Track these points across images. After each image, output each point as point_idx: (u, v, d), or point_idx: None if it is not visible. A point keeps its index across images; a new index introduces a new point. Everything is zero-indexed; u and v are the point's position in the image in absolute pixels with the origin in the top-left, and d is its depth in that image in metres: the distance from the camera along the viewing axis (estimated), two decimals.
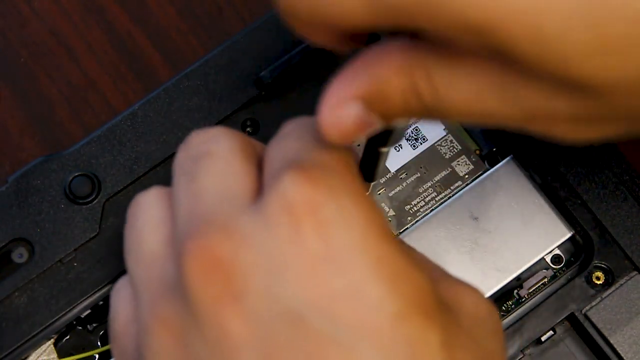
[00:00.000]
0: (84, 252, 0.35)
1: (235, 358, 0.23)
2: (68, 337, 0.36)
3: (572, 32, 0.19)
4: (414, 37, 0.22)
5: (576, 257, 0.37)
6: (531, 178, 0.37)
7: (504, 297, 0.37)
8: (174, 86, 0.36)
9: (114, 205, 0.35)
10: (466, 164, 0.38)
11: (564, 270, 0.37)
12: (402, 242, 0.28)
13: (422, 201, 0.37)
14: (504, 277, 0.36)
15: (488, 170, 0.38)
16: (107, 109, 0.45)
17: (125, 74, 0.46)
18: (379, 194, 0.38)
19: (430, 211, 0.37)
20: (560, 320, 0.35)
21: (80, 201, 0.35)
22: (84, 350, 0.36)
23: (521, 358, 0.36)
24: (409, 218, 0.37)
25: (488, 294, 0.36)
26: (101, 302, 0.35)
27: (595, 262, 0.36)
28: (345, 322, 0.23)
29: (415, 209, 0.37)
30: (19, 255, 0.34)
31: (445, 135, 0.38)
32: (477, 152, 0.38)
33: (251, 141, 0.28)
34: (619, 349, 0.35)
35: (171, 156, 0.36)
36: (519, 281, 0.37)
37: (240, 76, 0.36)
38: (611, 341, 0.35)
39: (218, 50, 0.37)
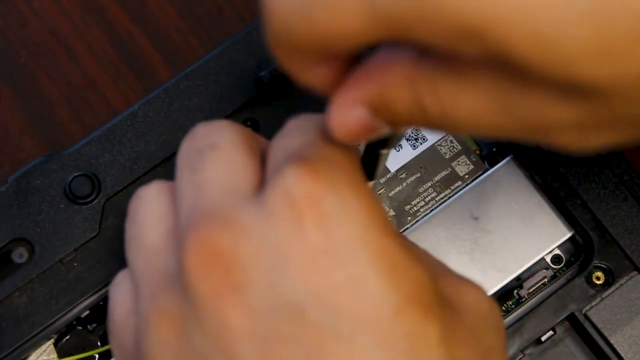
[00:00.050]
0: (84, 252, 0.35)
1: (235, 350, 0.24)
2: (68, 337, 0.36)
3: (573, 33, 0.19)
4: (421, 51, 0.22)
5: (576, 257, 0.37)
6: (531, 178, 0.37)
7: (504, 297, 0.37)
8: (174, 86, 0.36)
9: (114, 205, 0.35)
10: (466, 164, 0.38)
11: (564, 270, 0.37)
12: (403, 237, 0.28)
13: (422, 201, 0.37)
14: (504, 277, 0.36)
15: (488, 170, 0.38)
16: (107, 109, 0.45)
17: (125, 74, 0.46)
18: (379, 194, 0.38)
19: (430, 211, 0.37)
20: (560, 320, 0.35)
21: (80, 201, 0.35)
22: (84, 350, 0.36)
23: (521, 358, 0.36)
24: (409, 218, 0.37)
25: (488, 294, 0.36)
26: (101, 302, 0.35)
27: (595, 262, 0.36)
28: (345, 315, 0.23)
29: (415, 209, 0.37)
30: (19, 255, 0.34)
31: (445, 135, 0.38)
32: (477, 152, 0.38)
33: (255, 135, 0.28)
34: (619, 349, 0.35)
35: (171, 156, 0.36)
36: (519, 281, 0.37)
37: (240, 76, 0.36)
38: (611, 341, 0.35)
39: (218, 50, 0.37)
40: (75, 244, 0.35)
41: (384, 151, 0.27)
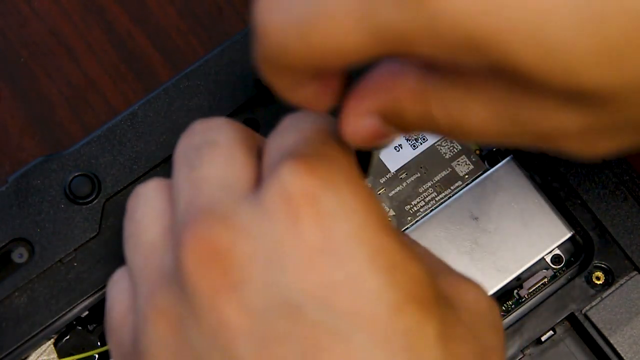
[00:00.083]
0: (84, 252, 0.35)
1: (232, 347, 0.24)
2: (68, 337, 0.36)
3: (575, 41, 0.19)
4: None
5: (576, 257, 0.37)
6: (531, 178, 0.37)
7: (504, 297, 0.37)
8: (174, 86, 0.36)
9: (114, 205, 0.35)
10: (466, 164, 0.38)
11: (564, 270, 0.37)
12: (402, 234, 0.28)
13: (422, 201, 0.37)
14: (504, 277, 0.36)
15: (488, 170, 0.38)
16: (107, 109, 0.45)
17: (125, 74, 0.46)
18: (379, 193, 0.38)
19: (430, 211, 0.37)
20: (560, 320, 0.35)
21: (80, 201, 0.35)
22: (84, 350, 0.36)
23: (521, 358, 0.36)
24: (409, 218, 0.37)
25: (488, 294, 0.36)
26: (101, 302, 0.35)
27: (595, 262, 0.36)
28: (342, 313, 0.23)
29: (415, 209, 0.37)
30: (19, 255, 0.34)
31: None
32: (477, 152, 0.38)
33: (252, 133, 0.28)
34: (619, 349, 0.35)
35: (171, 156, 0.36)
36: (519, 281, 0.37)
37: (240, 76, 0.36)
38: (611, 341, 0.35)
39: (218, 50, 0.37)
40: (75, 244, 0.35)
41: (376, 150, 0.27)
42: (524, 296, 0.37)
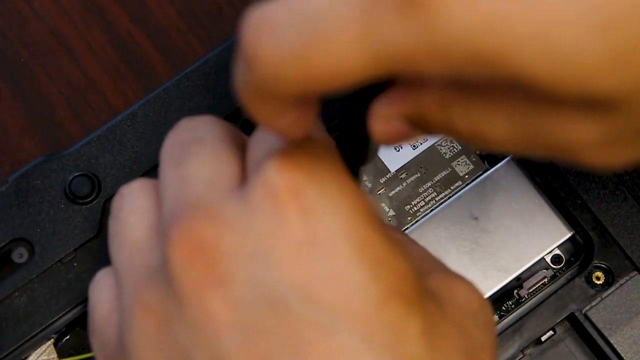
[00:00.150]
0: (84, 252, 0.35)
1: (217, 341, 0.24)
2: (68, 337, 0.36)
3: (585, 48, 0.18)
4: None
5: (576, 257, 0.37)
6: (531, 178, 0.37)
7: (504, 297, 0.37)
8: (174, 86, 0.36)
9: None
10: (466, 164, 0.38)
11: (564, 270, 0.37)
12: (390, 229, 0.28)
13: (422, 201, 0.37)
14: (504, 277, 0.36)
15: (488, 170, 0.38)
16: (107, 109, 0.45)
17: (125, 74, 0.46)
18: (379, 193, 0.38)
19: (430, 211, 0.37)
20: (560, 320, 0.35)
21: (80, 201, 0.35)
22: (84, 351, 0.36)
23: (521, 358, 0.36)
24: (409, 218, 0.37)
25: (488, 294, 0.36)
26: None
27: (595, 262, 0.36)
28: (326, 306, 0.23)
29: (415, 209, 0.37)
30: (19, 255, 0.34)
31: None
32: (477, 152, 0.38)
33: (238, 131, 0.28)
34: (619, 349, 0.35)
35: None
36: (519, 281, 0.37)
37: None
38: (611, 341, 0.35)
39: (218, 50, 0.37)
40: (75, 244, 0.35)
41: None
42: (524, 296, 0.37)
